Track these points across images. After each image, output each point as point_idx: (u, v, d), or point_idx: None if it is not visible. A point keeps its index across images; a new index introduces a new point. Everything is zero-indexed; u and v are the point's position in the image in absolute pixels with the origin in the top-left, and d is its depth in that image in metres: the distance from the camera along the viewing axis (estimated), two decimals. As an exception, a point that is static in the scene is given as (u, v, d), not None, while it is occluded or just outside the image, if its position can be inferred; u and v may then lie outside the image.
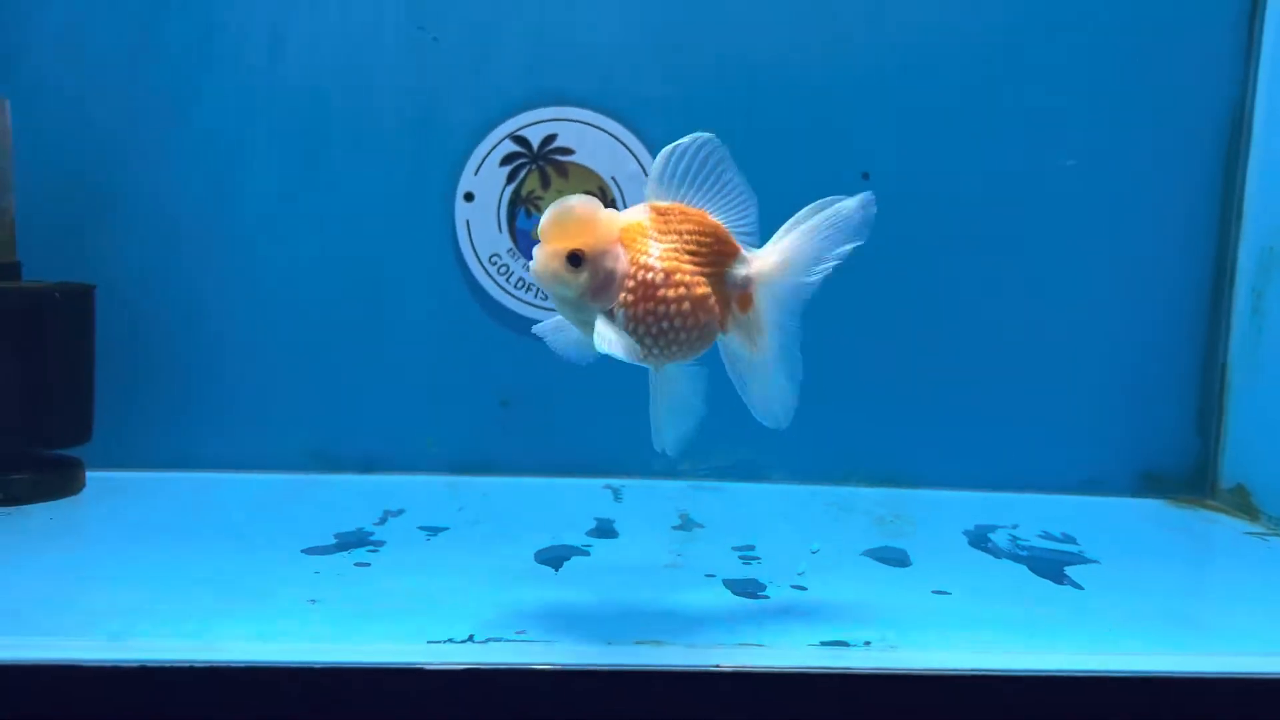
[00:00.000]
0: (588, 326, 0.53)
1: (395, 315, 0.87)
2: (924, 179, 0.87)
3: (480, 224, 0.87)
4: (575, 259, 0.52)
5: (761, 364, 0.57)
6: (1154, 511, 0.87)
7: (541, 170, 0.87)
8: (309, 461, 0.87)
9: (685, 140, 0.54)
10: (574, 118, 0.86)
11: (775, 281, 0.56)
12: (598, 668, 0.51)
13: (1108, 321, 0.89)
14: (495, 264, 0.87)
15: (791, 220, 0.57)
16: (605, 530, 0.74)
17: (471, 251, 0.87)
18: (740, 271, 0.56)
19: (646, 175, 0.85)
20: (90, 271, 0.79)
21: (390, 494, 0.82)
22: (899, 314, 0.88)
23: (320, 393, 0.87)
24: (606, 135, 0.86)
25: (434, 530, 0.73)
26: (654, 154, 0.85)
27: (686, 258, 0.54)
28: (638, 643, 0.53)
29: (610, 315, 0.53)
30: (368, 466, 0.88)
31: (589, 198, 0.53)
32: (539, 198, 0.87)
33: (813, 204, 0.57)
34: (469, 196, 0.86)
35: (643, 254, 0.53)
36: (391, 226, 0.86)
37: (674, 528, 0.75)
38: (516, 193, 0.87)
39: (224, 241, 0.85)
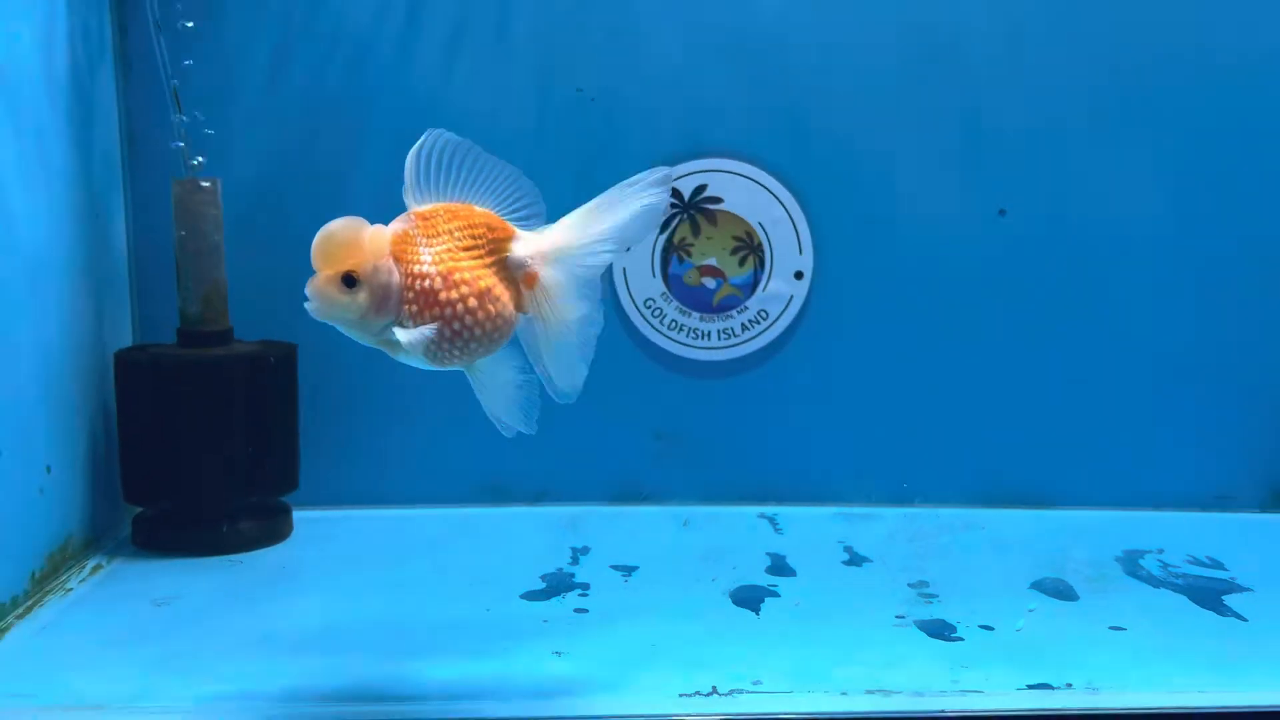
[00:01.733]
0: (385, 344, 0.55)
1: (559, 356, 0.93)
2: (1058, 214, 0.91)
3: (636, 271, 0.92)
4: (349, 281, 0.53)
5: (551, 340, 0.58)
6: (1284, 527, 0.92)
7: (692, 219, 0.92)
8: (484, 495, 0.94)
9: (423, 140, 0.55)
10: (723, 169, 0.91)
11: (558, 258, 0.57)
12: (834, 716, 0.58)
13: (1235, 339, 0.93)
14: (650, 307, 0.93)
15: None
16: (781, 568, 0.80)
17: (628, 296, 0.93)
18: (519, 252, 0.57)
19: (790, 219, 0.92)
20: (288, 330, 0.85)
21: (564, 528, 0.88)
22: (1039, 340, 0.93)
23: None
24: (752, 183, 0.91)
25: (626, 570, 0.79)
26: (798, 199, 0.92)
27: (462, 255, 0.55)
28: (869, 692, 0.59)
29: (404, 330, 0.54)
30: (537, 498, 0.95)
31: (352, 217, 0.54)
32: (690, 244, 0.92)
33: (619, 185, 0.58)
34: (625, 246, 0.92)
35: (415, 262, 0.54)
36: (556, 274, 0.92)
37: (844, 563, 0.81)
38: (669, 240, 0.92)
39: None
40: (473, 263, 0.55)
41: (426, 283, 0.54)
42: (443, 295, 0.54)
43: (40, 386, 0.75)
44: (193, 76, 0.85)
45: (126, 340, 0.89)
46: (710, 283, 0.94)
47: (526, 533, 0.88)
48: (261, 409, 0.82)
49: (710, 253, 0.93)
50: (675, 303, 0.93)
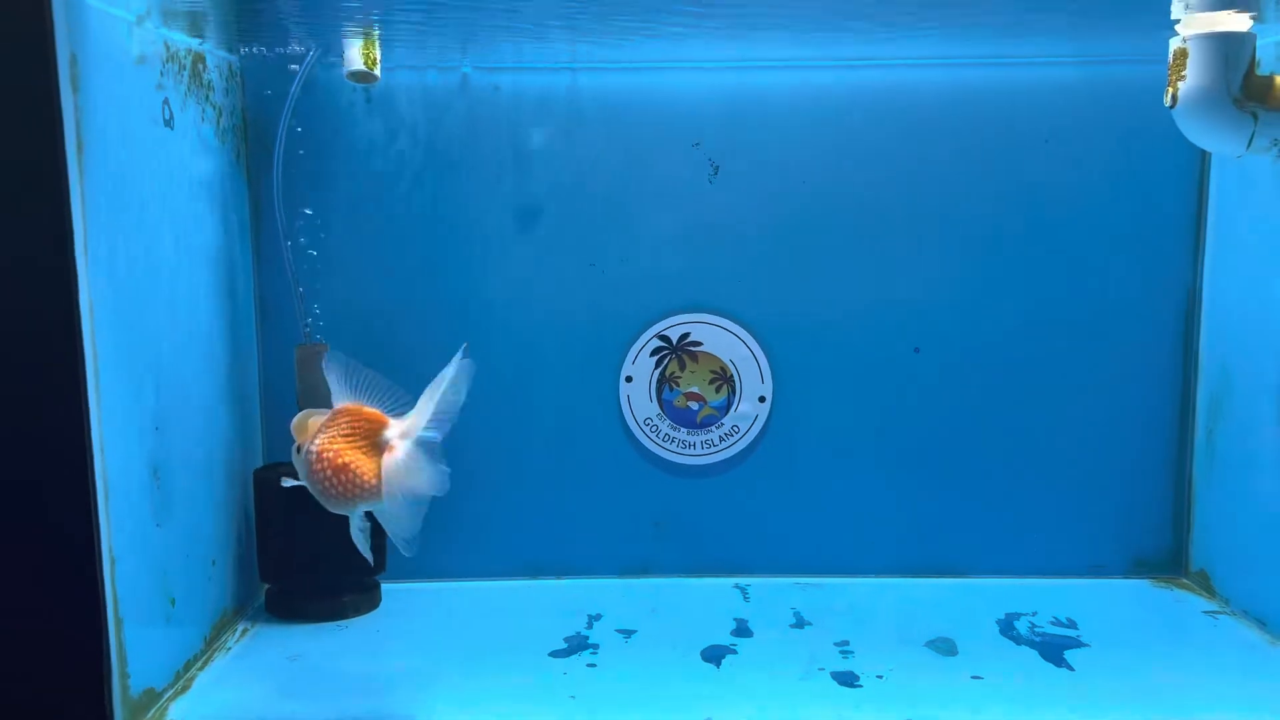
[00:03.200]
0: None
1: (580, 460, 1.20)
2: (955, 349, 1.18)
3: (637, 397, 1.20)
4: (298, 449, 0.83)
5: (384, 507, 0.82)
6: (1140, 591, 1.17)
7: (679, 357, 1.20)
8: (523, 570, 1.22)
9: (328, 359, 0.82)
10: (701, 320, 1.19)
11: (412, 434, 0.82)
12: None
13: (1109, 445, 1.19)
14: (648, 425, 1.20)
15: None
16: (743, 630, 1.06)
17: (632, 416, 1.20)
18: (388, 435, 0.82)
19: (753, 356, 1.19)
20: (375, 453, 1.14)
21: (584, 597, 1.15)
22: (947, 444, 1.19)
23: (528, 515, 1.21)
24: (724, 330, 1.19)
25: (627, 632, 1.06)
26: (760, 343, 1.19)
27: (340, 439, 0.80)
28: (784, 725, 0.86)
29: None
30: (562, 573, 1.22)
31: (315, 411, 0.83)
32: (678, 377, 1.20)
33: (436, 378, 0.82)
34: (629, 379, 1.20)
35: (312, 443, 0.82)
36: (577, 399, 1.19)
37: (791, 625, 1.08)
38: (662, 374, 1.20)
39: (466, 412, 1.18)
40: (343, 444, 0.81)
41: (309, 456, 0.82)
42: (315, 466, 0.82)
43: (206, 495, 1.04)
44: (310, 262, 1.15)
45: (259, 461, 1.18)
46: (694, 405, 1.21)
47: (554, 601, 1.15)
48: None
49: (693, 383, 1.20)
50: (668, 420, 1.21)
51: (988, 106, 1.16)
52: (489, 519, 1.21)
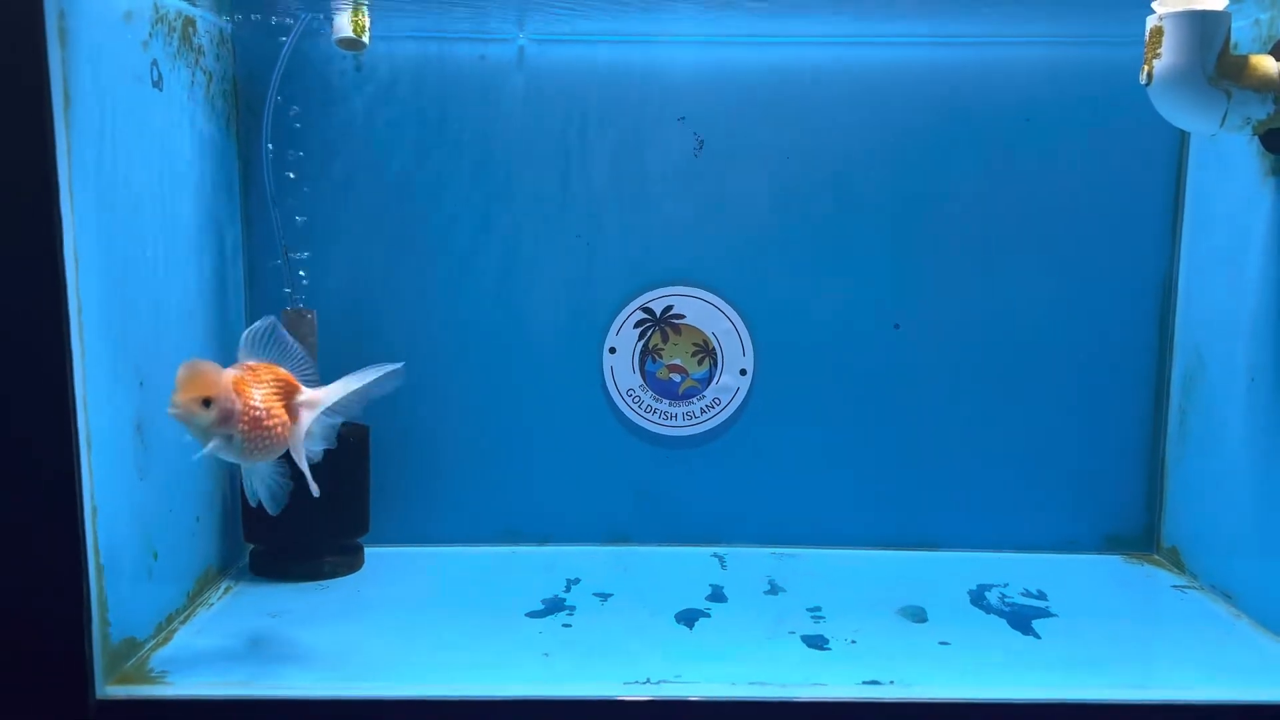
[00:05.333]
0: (214, 446, 0.83)
1: (563, 430, 1.22)
2: (933, 325, 1.19)
3: (620, 369, 1.21)
4: (206, 402, 0.82)
5: (300, 455, 0.88)
6: (1112, 566, 1.19)
7: (662, 330, 1.21)
8: (503, 537, 1.23)
9: (257, 324, 0.86)
10: (684, 293, 1.20)
11: (316, 408, 0.89)
12: (724, 699, 0.86)
13: (1083, 424, 1.21)
14: (630, 396, 1.22)
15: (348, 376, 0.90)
16: (718, 595, 1.08)
17: (615, 387, 1.22)
18: (298, 400, 0.88)
19: (735, 330, 1.20)
20: (362, 418, 1.14)
21: (563, 563, 1.16)
22: (925, 417, 1.21)
23: (508, 484, 1.23)
24: (707, 304, 1.20)
25: (604, 595, 1.08)
26: (742, 317, 1.21)
27: (274, 398, 0.86)
28: (750, 683, 0.87)
29: (229, 438, 0.83)
30: (543, 540, 1.24)
31: (207, 361, 0.81)
32: (660, 349, 1.21)
33: (364, 368, 0.89)
34: (612, 350, 1.21)
35: (250, 400, 0.84)
36: (562, 369, 1.21)
37: (764, 592, 1.09)
38: (645, 346, 1.21)
39: (453, 381, 1.21)
40: (279, 402, 0.87)
41: (258, 413, 0.84)
42: (266, 423, 0.85)
43: (182, 461, 1.06)
44: (298, 229, 1.16)
45: (245, 422, 1.20)
46: (676, 377, 1.22)
47: (533, 567, 1.16)
48: (343, 474, 1.11)
49: (676, 355, 1.22)
50: (650, 392, 1.22)
51: (969, 85, 1.17)
52: (472, 486, 1.23)
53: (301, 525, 1.10)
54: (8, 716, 0.83)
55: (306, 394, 0.89)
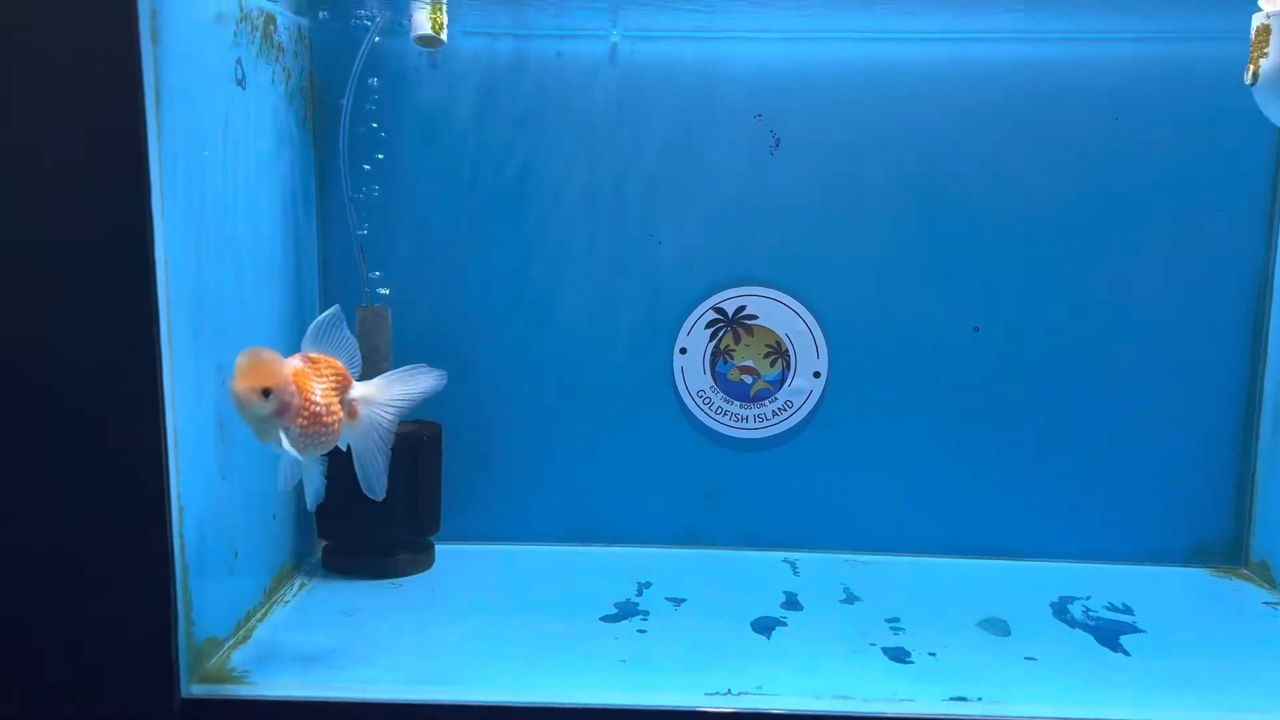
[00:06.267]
0: (265, 435, 0.82)
1: (633, 430, 1.20)
2: (1015, 327, 1.16)
3: (691, 369, 1.20)
4: (265, 392, 0.80)
5: (359, 454, 0.88)
6: (1198, 579, 1.15)
7: (734, 330, 1.19)
8: (573, 536, 1.23)
9: (324, 314, 0.85)
10: (757, 294, 1.18)
11: (368, 403, 0.88)
12: (809, 713, 0.84)
13: (1170, 430, 1.17)
14: (701, 397, 1.20)
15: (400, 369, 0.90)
16: (793, 603, 1.06)
17: (685, 388, 1.20)
18: (351, 396, 0.87)
19: (809, 331, 1.18)
20: (435, 415, 1.15)
21: (633, 564, 1.16)
22: (1006, 425, 1.18)
23: (580, 483, 1.22)
24: (780, 305, 1.18)
25: (677, 600, 1.07)
26: (816, 318, 1.19)
27: (331, 394, 0.85)
28: (835, 697, 0.86)
29: (286, 430, 0.82)
30: (611, 540, 1.23)
31: (270, 349, 0.79)
32: (732, 350, 1.19)
33: (406, 366, 0.90)
34: (683, 350, 1.19)
35: (310, 393, 0.83)
36: (632, 368, 1.20)
37: (840, 601, 1.07)
38: (717, 347, 1.20)
39: (524, 378, 1.20)
40: (334, 398, 0.86)
41: (316, 409, 0.83)
42: (324, 419, 0.84)
43: (267, 450, 1.06)
44: (372, 227, 1.16)
45: (318, 419, 1.21)
46: (748, 379, 1.21)
47: (603, 567, 1.16)
48: (417, 472, 1.11)
49: (748, 356, 1.20)
50: (721, 394, 1.21)
51: (1055, 82, 1.13)
52: (542, 484, 1.22)
53: (374, 523, 1.11)
54: (94, 716, 0.83)
55: (358, 389, 0.89)
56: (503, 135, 1.16)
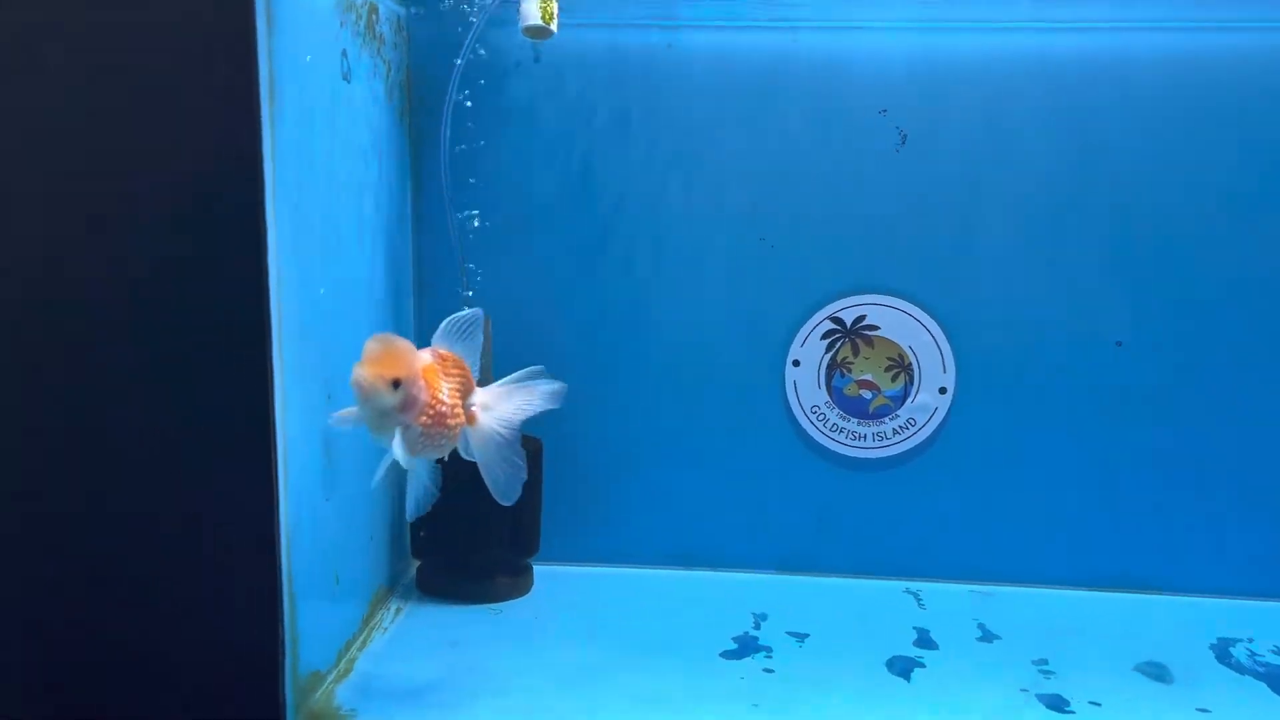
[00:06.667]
0: (381, 429, 0.74)
1: (741, 448, 1.13)
2: (1161, 343, 1.08)
3: (804, 383, 1.12)
4: (395, 383, 0.72)
5: (485, 464, 0.81)
6: (1365, 620, 1.06)
7: (853, 342, 1.11)
8: (675, 559, 1.15)
9: (464, 313, 0.79)
10: (879, 302, 1.10)
11: (489, 410, 0.81)
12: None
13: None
14: (815, 414, 1.13)
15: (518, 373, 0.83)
16: (926, 641, 0.98)
17: (798, 403, 1.13)
18: (473, 400, 0.80)
19: (936, 344, 1.10)
20: (536, 431, 1.08)
21: (743, 592, 1.08)
22: (1145, 447, 1.09)
23: (683, 503, 1.15)
24: (904, 314, 1.10)
25: (800, 636, 0.99)
26: (944, 329, 1.10)
27: (456, 395, 0.77)
28: (997, 753, 0.79)
29: (406, 428, 0.74)
30: (716, 565, 1.15)
31: (403, 339, 0.72)
32: (850, 363, 1.12)
33: (530, 368, 0.83)
34: (796, 363, 1.12)
35: (438, 391, 0.75)
36: (741, 382, 1.12)
37: (978, 639, 0.99)
38: (833, 359, 1.12)
39: (626, 392, 1.13)
40: (458, 399, 0.79)
41: (442, 408, 0.76)
42: (448, 420, 0.77)
43: (360, 475, 1.00)
44: (470, 231, 1.08)
45: (412, 433, 1.14)
46: (866, 394, 1.13)
47: (712, 595, 1.08)
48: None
49: (867, 370, 1.12)
50: (837, 410, 1.13)
51: (1214, 79, 1.04)
52: (643, 504, 1.15)
53: (471, 543, 1.05)
54: (198, 757, 0.78)
55: (479, 395, 0.82)
56: (609, 134, 1.09)
